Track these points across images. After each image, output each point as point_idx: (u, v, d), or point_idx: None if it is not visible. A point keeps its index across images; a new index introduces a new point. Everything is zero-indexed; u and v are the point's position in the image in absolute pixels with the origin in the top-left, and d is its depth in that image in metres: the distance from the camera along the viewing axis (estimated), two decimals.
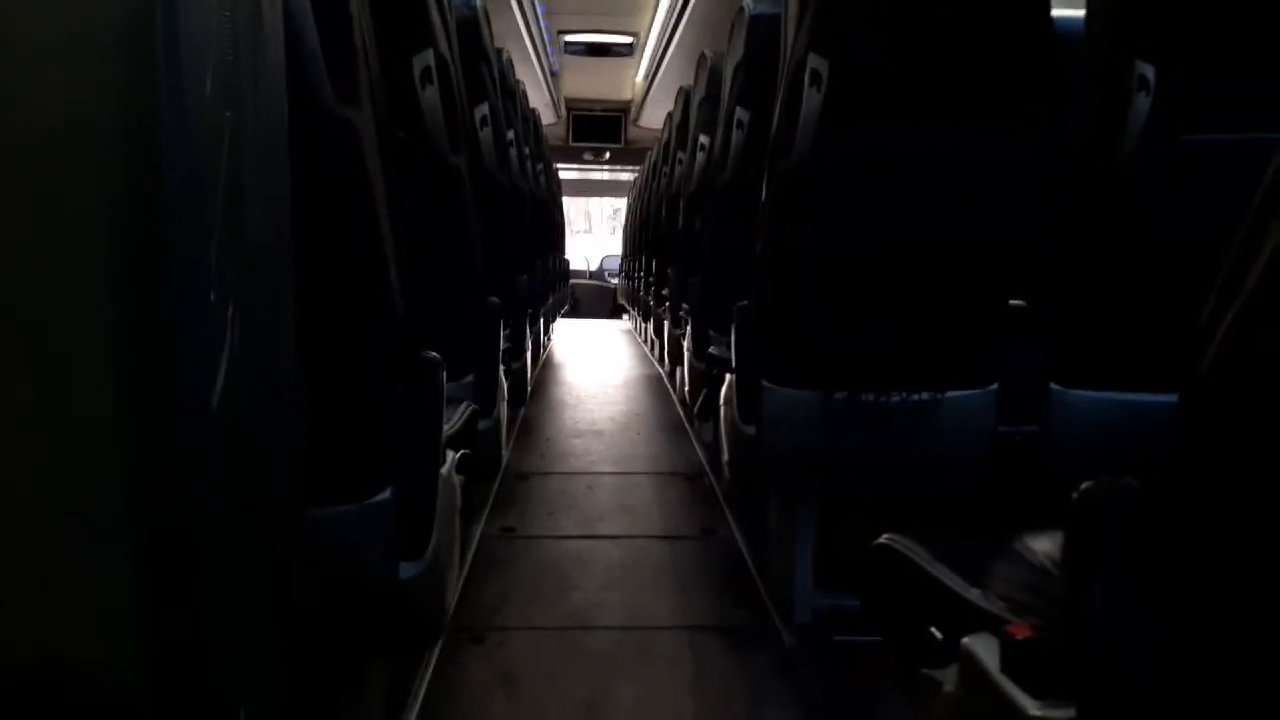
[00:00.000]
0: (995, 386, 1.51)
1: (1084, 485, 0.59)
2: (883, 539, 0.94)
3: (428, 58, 1.50)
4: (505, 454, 2.76)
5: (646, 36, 6.46)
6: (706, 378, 2.49)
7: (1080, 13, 1.41)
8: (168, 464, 0.48)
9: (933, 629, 0.81)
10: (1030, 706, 0.63)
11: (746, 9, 2.26)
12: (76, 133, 0.44)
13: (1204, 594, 0.51)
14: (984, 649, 0.71)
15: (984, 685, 0.68)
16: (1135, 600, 0.56)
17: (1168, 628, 0.54)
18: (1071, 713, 0.60)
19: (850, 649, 1.56)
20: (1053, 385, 1.43)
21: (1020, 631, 0.66)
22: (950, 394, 1.49)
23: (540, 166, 4.64)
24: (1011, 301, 1.54)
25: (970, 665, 0.71)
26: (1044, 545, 0.82)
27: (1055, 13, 1.44)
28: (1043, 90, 1.42)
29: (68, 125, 0.43)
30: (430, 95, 1.52)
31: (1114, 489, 0.58)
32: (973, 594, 0.77)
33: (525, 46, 5.72)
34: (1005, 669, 0.67)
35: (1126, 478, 0.58)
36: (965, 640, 0.74)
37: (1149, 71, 1.27)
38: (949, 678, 0.76)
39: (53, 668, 0.40)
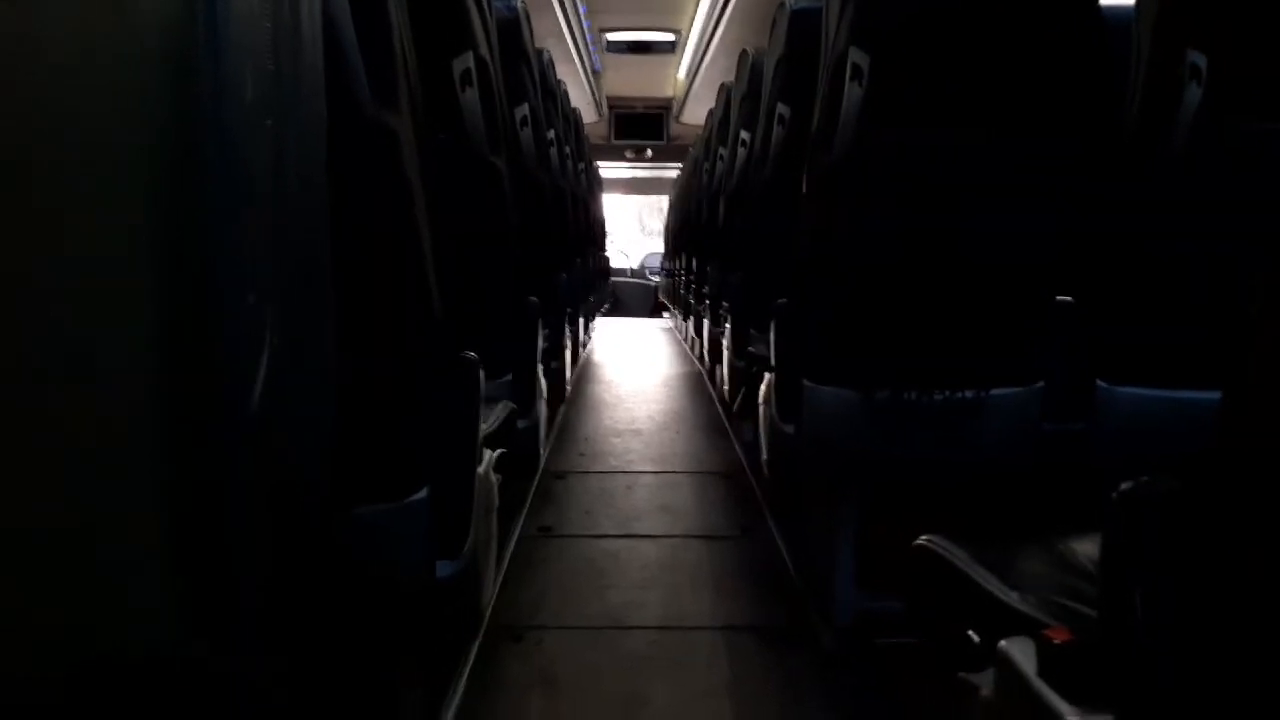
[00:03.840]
0: (1041, 384, 1.48)
1: (1122, 485, 0.57)
2: (922, 540, 0.93)
3: (468, 60, 1.51)
4: (543, 453, 2.78)
5: (688, 33, 6.44)
6: (746, 376, 2.48)
7: (1129, 1, 1.38)
8: (208, 464, 0.49)
9: (970, 632, 0.80)
10: (1067, 712, 0.62)
11: (788, 3, 2.25)
12: (119, 141, 0.44)
13: (1244, 597, 0.50)
14: (1021, 653, 0.70)
15: (1020, 689, 0.67)
16: (1174, 604, 0.55)
17: (1207, 632, 0.53)
18: (1109, 718, 0.59)
19: (891, 651, 1.54)
20: (1099, 382, 1.40)
21: (1058, 635, 0.65)
22: (995, 392, 1.47)
23: (581, 165, 4.65)
24: (1058, 298, 1.51)
25: (1007, 669, 0.70)
26: (1085, 547, 0.80)
27: (1103, 1, 1.41)
28: (1092, 84, 1.39)
29: (111, 134, 0.44)
30: (470, 97, 1.54)
31: (1153, 489, 0.56)
32: (1011, 596, 0.76)
33: (567, 45, 5.74)
34: (1042, 673, 0.66)
35: (1166, 477, 0.56)
36: (1002, 644, 0.72)
37: (1200, 60, 1.24)
38: (986, 681, 0.75)
39: (86, 663, 0.42)
